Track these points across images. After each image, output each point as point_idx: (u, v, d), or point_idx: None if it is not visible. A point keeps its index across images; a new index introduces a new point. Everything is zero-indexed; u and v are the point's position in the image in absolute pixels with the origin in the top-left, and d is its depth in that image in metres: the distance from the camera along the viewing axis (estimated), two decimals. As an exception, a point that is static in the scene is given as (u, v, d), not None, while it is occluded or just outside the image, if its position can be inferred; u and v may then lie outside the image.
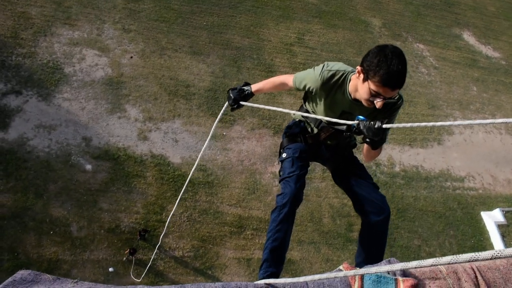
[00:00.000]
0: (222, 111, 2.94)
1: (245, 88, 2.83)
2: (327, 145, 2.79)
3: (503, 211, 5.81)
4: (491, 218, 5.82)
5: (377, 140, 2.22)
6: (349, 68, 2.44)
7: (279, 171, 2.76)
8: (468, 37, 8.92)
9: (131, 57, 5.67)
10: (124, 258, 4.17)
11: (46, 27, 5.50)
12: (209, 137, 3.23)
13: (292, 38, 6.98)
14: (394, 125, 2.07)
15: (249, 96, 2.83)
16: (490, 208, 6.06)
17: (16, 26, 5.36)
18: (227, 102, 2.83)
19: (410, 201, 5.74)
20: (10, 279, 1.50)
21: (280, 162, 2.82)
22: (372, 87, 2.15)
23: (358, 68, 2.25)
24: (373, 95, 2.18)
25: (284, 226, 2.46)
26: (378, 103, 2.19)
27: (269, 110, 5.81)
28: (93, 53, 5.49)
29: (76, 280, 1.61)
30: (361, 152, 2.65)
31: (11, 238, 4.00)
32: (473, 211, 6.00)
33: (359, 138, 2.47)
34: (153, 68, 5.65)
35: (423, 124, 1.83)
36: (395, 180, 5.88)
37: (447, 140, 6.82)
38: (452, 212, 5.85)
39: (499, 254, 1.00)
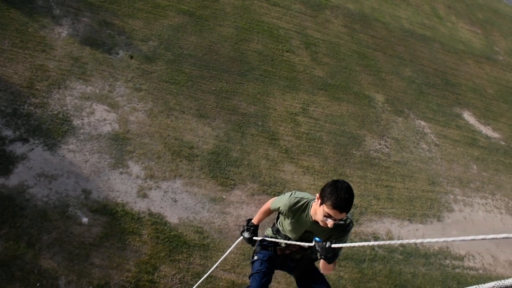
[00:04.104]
0: (234, 244, 3.79)
1: (250, 224, 3.52)
2: (292, 258, 3.39)
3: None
4: (492, 302, 5.63)
5: (330, 256, 2.83)
6: (312, 197, 3.08)
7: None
8: (468, 117, 9.15)
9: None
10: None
11: (61, 80, 5.72)
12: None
13: (297, 108, 7.18)
14: (342, 245, 2.73)
15: (256, 229, 3.52)
16: (490, 291, 5.88)
17: (33, 77, 5.58)
18: (241, 237, 3.52)
19: (408, 277, 5.60)
20: None
21: (251, 264, 3.46)
22: (326, 209, 2.73)
23: (317, 195, 2.86)
24: (326, 216, 2.76)
25: None
26: (329, 223, 2.75)
27: (269, 177, 5.86)
28: (103, 108, 5.66)
29: None
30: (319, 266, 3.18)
31: (-4, 288, 3.90)
32: (473, 293, 5.82)
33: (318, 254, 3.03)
34: (159, 127, 5.79)
35: (371, 243, 2.28)
36: (393, 255, 5.77)
37: (447, 217, 6.78)
38: (452, 293, 5.69)
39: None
